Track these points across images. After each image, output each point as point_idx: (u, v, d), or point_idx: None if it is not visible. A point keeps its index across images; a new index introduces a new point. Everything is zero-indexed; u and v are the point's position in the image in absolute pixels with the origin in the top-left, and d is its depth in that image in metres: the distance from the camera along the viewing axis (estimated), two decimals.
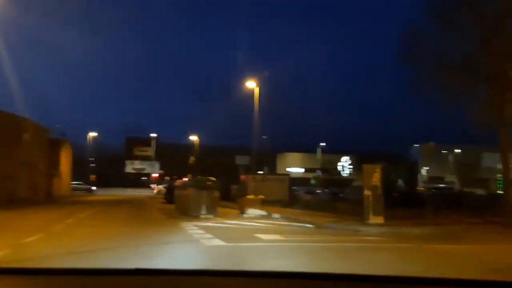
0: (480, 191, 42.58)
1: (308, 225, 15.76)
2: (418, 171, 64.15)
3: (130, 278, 2.50)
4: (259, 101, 30.85)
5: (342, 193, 38.14)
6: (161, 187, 58.30)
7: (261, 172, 46.29)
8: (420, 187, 47.43)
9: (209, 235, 11.42)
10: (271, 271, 3.38)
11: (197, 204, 18.94)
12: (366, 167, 16.05)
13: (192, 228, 13.37)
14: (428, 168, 60.48)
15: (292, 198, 32.05)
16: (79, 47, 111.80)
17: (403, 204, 21.95)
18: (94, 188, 57.28)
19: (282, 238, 11.52)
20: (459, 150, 64.99)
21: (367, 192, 15.62)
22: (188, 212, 19.06)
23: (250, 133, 33.51)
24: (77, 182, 57.32)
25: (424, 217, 16.62)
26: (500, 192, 49.47)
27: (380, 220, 15.40)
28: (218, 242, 10.26)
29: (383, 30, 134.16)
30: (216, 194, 19.68)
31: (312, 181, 60.72)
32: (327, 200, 33.15)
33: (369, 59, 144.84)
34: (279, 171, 63.33)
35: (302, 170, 70.05)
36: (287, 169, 66.01)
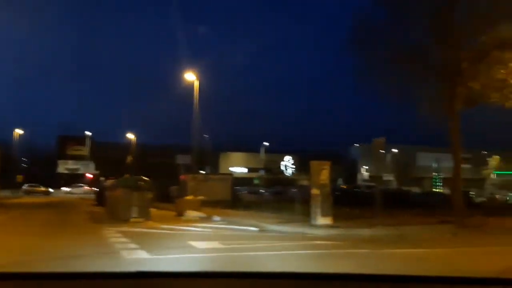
0: (416, 189, 43.88)
1: (252, 229, 14.20)
2: (358, 170, 65.38)
3: (133, 281, 2.50)
4: (199, 98, 28.97)
5: (286, 192, 37.46)
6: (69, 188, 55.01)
7: (204, 172, 44.91)
8: (343, 186, 47.88)
9: (133, 245, 9.49)
10: (274, 272, 3.32)
11: (126, 207, 16.82)
12: (314, 163, 14.74)
13: (116, 236, 11.33)
14: (367, 167, 61.58)
15: (235, 199, 30.91)
16: (6, 39, 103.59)
17: (346, 202, 21.55)
18: (51, 190, 52.75)
19: (221, 246, 9.79)
20: (396, 150, 67.04)
21: (315, 191, 14.32)
22: (117, 216, 16.92)
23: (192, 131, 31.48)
24: (31, 184, 52.84)
25: (371, 217, 15.55)
26: (436, 190, 51.69)
27: (329, 220, 14.17)
28: (140, 254, 8.39)
29: (329, 24, 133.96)
30: (149, 195, 17.64)
31: (256, 181, 59.81)
32: (271, 200, 32.36)
33: (313, 58, 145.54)
34: (222, 171, 61.63)
35: (246, 170, 68.78)
36: (231, 168, 64.53)
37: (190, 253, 8.61)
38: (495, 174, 66.11)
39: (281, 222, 14.98)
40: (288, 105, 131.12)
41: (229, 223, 16.04)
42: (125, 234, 11.71)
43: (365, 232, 12.72)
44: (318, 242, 10.77)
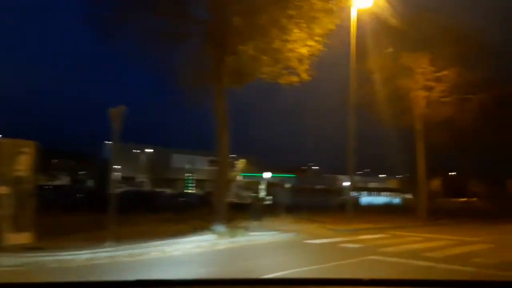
0: (169, 190, 42.86)
1: None
2: (111, 171, 59.53)
3: None
4: None
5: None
6: None
7: None
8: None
9: None
10: (272, 278, 3.66)
11: None
12: (3, 143, 8.80)
13: None
14: (120, 167, 56.85)
15: None
16: None
17: (89, 207, 17.39)
18: None
19: None
20: (151, 150, 65.13)
21: (2, 190, 8.48)
22: None
23: None
24: None
25: (104, 227, 10.52)
26: (189, 191, 51.21)
27: (26, 239, 8.59)
28: None
29: None
30: None
31: None
32: None
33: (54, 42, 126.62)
34: None
35: None
36: None
37: None
38: (242, 176, 70.44)
39: None
40: (25, 91, 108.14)
41: None
42: None
43: (82, 257, 7.73)
44: None
